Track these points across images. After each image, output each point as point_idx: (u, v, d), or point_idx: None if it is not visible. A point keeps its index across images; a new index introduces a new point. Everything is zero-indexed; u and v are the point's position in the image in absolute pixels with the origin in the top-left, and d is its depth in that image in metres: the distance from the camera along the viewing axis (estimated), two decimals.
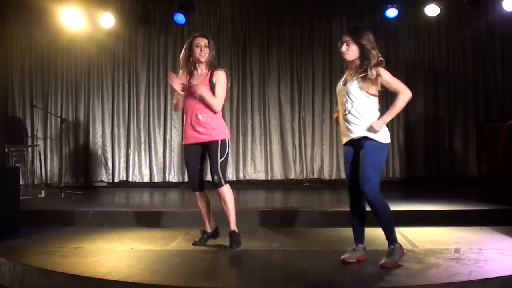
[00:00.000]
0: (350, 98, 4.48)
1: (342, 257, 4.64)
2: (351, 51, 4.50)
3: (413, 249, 5.10)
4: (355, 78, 4.49)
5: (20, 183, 7.10)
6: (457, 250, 4.94)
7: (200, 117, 5.14)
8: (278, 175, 9.90)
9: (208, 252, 5.10)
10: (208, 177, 5.34)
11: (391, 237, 4.56)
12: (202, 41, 5.16)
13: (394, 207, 4.78)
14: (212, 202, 5.42)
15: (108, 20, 9.35)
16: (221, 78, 5.18)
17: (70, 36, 9.60)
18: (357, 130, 4.48)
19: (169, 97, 9.82)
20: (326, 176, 9.84)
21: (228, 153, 5.19)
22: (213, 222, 5.46)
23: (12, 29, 9.89)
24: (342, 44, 4.54)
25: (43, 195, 8.34)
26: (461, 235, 5.73)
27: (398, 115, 5.21)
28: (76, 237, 5.79)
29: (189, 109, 5.20)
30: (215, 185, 5.16)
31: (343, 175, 9.69)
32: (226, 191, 5.18)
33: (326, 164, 9.86)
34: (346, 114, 4.52)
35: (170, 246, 5.44)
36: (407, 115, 9.63)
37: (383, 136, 4.49)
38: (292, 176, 9.88)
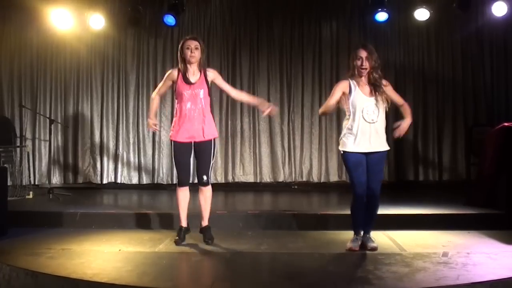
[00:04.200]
0: (378, 108, 5.19)
1: (347, 247, 5.19)
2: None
3: (401, 252, 5.12)
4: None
5: (8, 184, 7.04)
6: (445, 254, 4.96)
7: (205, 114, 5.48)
8: (267, 177, 9.88)
9: (196, 254, 5.08)
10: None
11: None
12: (193, 43, 5.42)
13: (383, 210, 4.84)
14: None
15: (97, 21, 9.30)
16: (218, 74, 5.61)
17: (60, 37, 9.56)
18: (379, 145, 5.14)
19: None
20: (315, 179, 9.82)
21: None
22: None
23: (1, 29, 9.82)
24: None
25: (31, 196, 8.29)
26: (449, 239, 5.75)
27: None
28: (64, 239, 5.77)
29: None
30: (203, 184, 5.46)
31: (331, 178, 9.73)
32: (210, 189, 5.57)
33: (315, 167, 9.84)
34: (374, 123, 5.15)
35: (158, 248, 5.42)
36: (396, 119, 9.57)
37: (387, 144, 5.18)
38: (281, 178, 9.86)
